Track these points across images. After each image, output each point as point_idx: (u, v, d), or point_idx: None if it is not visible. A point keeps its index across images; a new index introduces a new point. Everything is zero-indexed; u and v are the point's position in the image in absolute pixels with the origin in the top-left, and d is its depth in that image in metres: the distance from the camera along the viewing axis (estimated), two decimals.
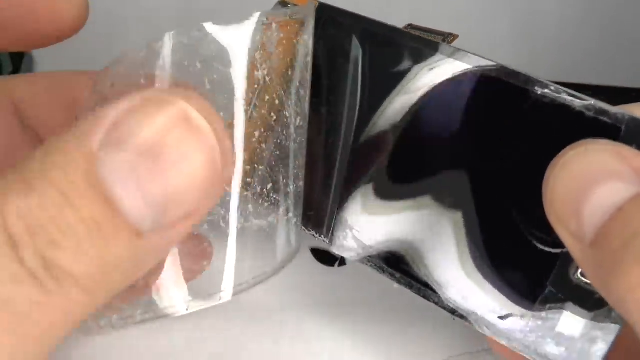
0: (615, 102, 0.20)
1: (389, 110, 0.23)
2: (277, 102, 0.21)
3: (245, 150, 0.20)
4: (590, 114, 0.20)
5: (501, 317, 0.22)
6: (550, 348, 0.21)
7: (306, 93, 0.23)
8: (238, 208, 0.20)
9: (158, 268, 0.19)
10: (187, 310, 0.21)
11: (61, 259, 0.13)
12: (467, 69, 0.21)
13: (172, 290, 0.20)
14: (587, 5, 0.36)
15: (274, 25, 0.21)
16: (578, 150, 0.18)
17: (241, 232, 0.20)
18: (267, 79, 0.21)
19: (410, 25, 0.23)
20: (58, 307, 0.14)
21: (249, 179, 0.21)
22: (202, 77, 0.19)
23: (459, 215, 0.22)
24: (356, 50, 0.23)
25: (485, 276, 0.22)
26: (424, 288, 0.23)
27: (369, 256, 0.24)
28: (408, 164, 0.23)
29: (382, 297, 0.33)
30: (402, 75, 0.23)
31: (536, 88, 0.21)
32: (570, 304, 0.21)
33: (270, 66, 0.21)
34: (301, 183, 0.23)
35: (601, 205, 0.18)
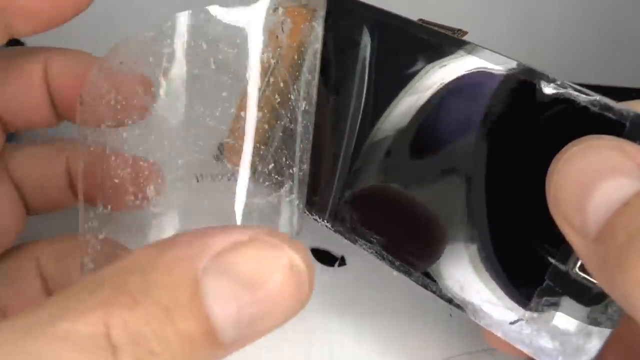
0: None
1: (397, 109, 0.23)
2: (281, 84, 0.22)
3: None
4: (595, 109, 0.20)
5: (495, 312, 0.22)
6: (545, 342, 0.21)
7: (314, 78, 0.23)
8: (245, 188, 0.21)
9: None
10: None
11: None
12: (479, 66, 0.22)
13: None
14: (587, 5, 0.36)
15: (280, 10, 0.21)
16: (582, 146, 0.19)
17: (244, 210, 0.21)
18: (273, 62, 0.21)
19: (421, 20, 0.23)
20: None
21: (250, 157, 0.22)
22: (207, 57, 0.20)
23: (465, 208, 0.23)
24: (366, 41, 0.23)
25: (487, 268, 0.22)
26: (423, 276, 0.23)
27: (370, 243, 0.24)
28: (413, 158, 0.23)
29: (382, 297, 0.33)
30: (413, 71, 0.23)
31: (542, 82, 0.21)
32: (566, 299, 0.21)
33: (277, 50, 0.21)
34: (305, 166, 0.23)
35: (606, 200, 0.18)
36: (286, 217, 0.23)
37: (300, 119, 0.22)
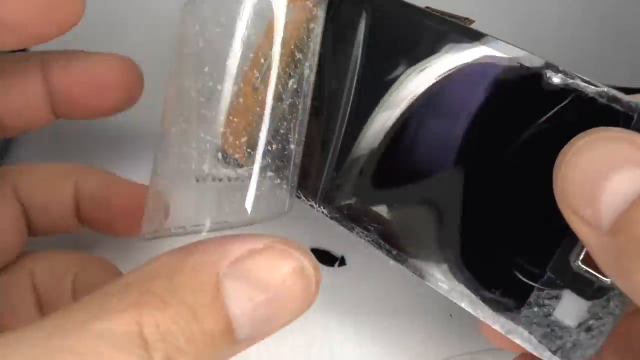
0: None
1: (395, 96, 0.23)
2: (262, 60, 0.22)
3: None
4: (603, 100, 0.20)
5: (492, 301, 0.22)
6: (545, 336, 0.21)
7: (305, 57, 0.23)
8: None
9: None
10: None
11: None
12: (487, 54, 0.22)
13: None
14: (587, 6, 0.36)
15: None
16: (591, 137, 0.19)
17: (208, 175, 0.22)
18: (254, 38, 0.22)
19: (428, 8, 0.23)
20: None
21: (222, 129, 0.22)
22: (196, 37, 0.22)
23: (462, 200, 0.22)
24: (365, 25, 0.23)
25: (485, 258, 0.22)
26: (421, 267, 0.23)
27: (366, 231, 0.24)
28: (410, 142, 0.23)
29: (382, 297, 0.33)
30: (413, 57, 0.23)
31: (549, 72, 0.21)
32: (568, 292, 0.21)
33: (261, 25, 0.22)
34: (291, 146, 0.23)
35: (620, 192, 0.17)
36: (275, 196, 0.23)
37: (285, 97, 0.23)
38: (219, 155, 0.22)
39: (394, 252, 0.23)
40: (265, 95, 0.22)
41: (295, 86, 0.23)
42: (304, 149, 0.24)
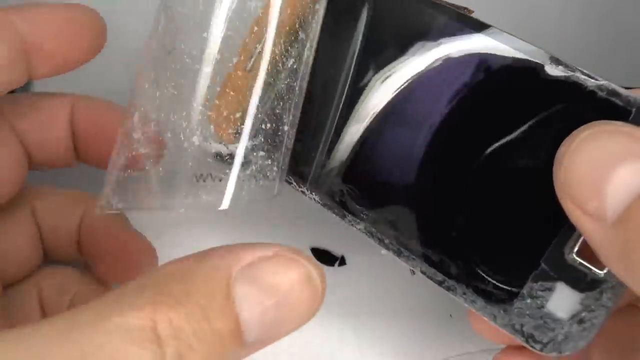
0: None
1: (388, 82, 0.23)
2: (255, 28, 0.22)
3: (220, 72, 0.22)
4: (602, 94, 0.20)
5: (485, 293, 0.22)
6: (537, 328, 0.21)
7: (307, 38, 0.23)
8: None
9: None
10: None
11: (191, 359, 0.17)
12: (487, 44, 0.22)
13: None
14: (587, 5, 0.36)
15: None
16: (594, 130, 0.19)
17: (198, 148, 0.22)
18: (256, 9, 0.22)
19: None
20: None
21: (217, 101, 0.22)
22: None
23: (463, 193, 0.23)
24: (366, 10, 0.24)
25: (478, 248, 0.22)
26: (413, 257, 0.23)
27: (358, 219, 0.24)
28: (405, 129, 0.23)
29: (382, 297, 0.33)
30: (410, 42, 0.23)
31: (550, 64, 0.21)
32: (561, 284, 0.21)
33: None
34: (285, 127, 0.23)
35: (625, 184, 0.18)
36: (264, 177, 0.23)
37: (283, 75, 0.22)
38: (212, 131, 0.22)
39: (386, 241, 0.23)
40: (260, 68, 0.22)
41: (295, 66, 0.23)
42: (295, 134, 0.24)
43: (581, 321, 0.20)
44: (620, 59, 0.35)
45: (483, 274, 0.22)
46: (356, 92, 0.24)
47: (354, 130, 0.24)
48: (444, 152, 0.23)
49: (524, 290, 0.21)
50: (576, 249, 0.20)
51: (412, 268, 0.23)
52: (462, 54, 0.22)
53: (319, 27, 0.24)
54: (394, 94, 0.23)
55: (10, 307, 0.27)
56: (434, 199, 0.23)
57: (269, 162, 0.23)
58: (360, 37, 0.24)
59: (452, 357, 0.31)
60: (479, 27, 0.22)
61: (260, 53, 0.22)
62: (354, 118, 0.24)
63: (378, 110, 0.23)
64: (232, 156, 0.22)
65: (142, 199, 0.22)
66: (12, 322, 0.26)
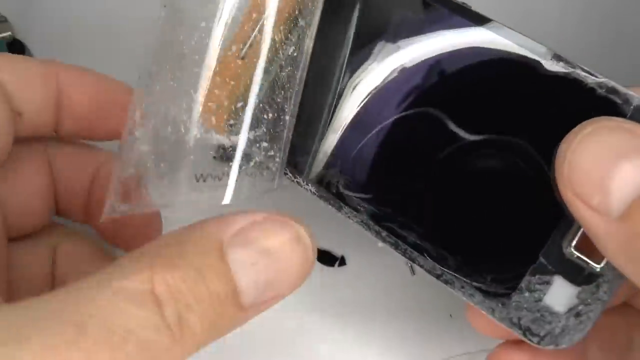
0: None
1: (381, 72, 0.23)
2: (253, 15, 0.22)
3: (220, 61, 0.22)
4: (602, 91, 0.21)
5: (483, 286, 0.22)
6: (534, 321, 0.21)
7: (308, 26, 0.23)
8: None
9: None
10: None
11: (190, 319, 0.18)
12: (486, 38, 0.22)
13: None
14: (587, 5, 0.36)
15: None
16: (596, 126, 0.19)
17: (199, 141, 0.22)
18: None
19: None
20: (178, 353, 0.18)
21: (217, 91, 0.22)
22: None
23: (461, 186, 0.23)
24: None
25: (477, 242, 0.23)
26: (410, 249, 0.23)
27: (355, 211, 0.24)
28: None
29: (382, 297, 0.33)
30: (408, 33, 0.23)
31: (551, 60, 0.21)
32: (558, 277, 0.21)
33: None
34: (286, 116, 0.23)
35: (631, 179, 0.18)
36: (267, 168, 0.23)
37: (283, 63, 0.22)
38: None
39: (383, 233, 0.23)
40: (260, 55, 0.22)
41: (295, 54, 0.23)
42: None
43: (578, 314, 0.21)
44: (620, 59, 0.35)
45: (481, 268, 0.22)
46: (353, 81, 0.24)
47: (350, 119, 0.24)
48: (441, 144, 0.23)
49: (522, 284, 0.21)
50: (574, 242, 0.21)
51: (409, 261, 0.23)
52: (462, 46, 0.22)
53: (318, 14, 0.24)
54: (389, 82, 0.23)
55: (17, 264, 0.27)
56: (432, 192, 0.23)
57: (272, 152, 0.23)
58: (355, 25, 0.24)
59: (452, 357, 0.31)
60: (483, 21, 0.22)
61: (259, 40, 0.22)
62: (350, 106, 0.24)
63: (374, 99, 0.24)
64: (233, 148, 0.22)
65: (145, 200, 0.23)
66: (16, 281, 0.26)
